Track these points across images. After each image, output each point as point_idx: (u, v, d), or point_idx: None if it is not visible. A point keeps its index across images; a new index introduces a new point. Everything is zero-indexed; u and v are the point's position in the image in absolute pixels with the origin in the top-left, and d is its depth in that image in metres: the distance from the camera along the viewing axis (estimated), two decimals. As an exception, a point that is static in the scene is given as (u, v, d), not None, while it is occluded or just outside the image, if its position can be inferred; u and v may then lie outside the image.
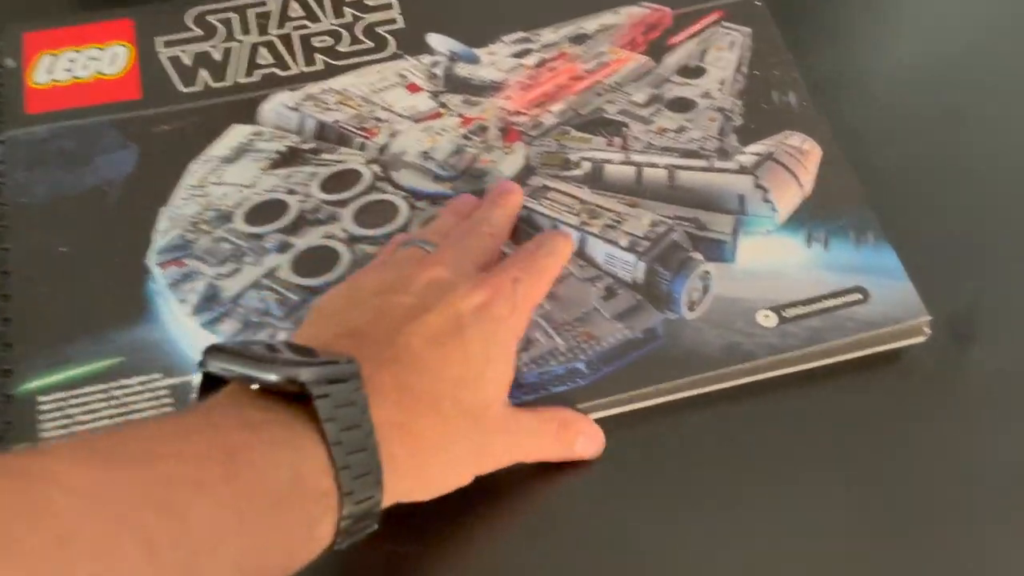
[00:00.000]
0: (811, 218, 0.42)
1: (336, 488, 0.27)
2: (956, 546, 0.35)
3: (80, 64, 0.47)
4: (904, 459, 0.37)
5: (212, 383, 0.29)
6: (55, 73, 0.46)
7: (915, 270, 0.40)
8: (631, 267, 0.40)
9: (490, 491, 0.35)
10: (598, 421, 0.37)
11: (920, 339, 0.39)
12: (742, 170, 0.44)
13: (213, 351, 0.29)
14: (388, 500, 0.30)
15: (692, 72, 0.48)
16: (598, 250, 0.41)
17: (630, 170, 0.44)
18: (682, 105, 0.46)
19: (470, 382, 0.33)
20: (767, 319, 0.39)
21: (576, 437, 0.36)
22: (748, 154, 0.44)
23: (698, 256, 0.41)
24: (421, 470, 0.31)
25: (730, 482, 0.37)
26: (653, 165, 0.44)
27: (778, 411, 0.38)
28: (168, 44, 0.48)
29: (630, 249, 0.41)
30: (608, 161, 0.44)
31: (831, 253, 0.41)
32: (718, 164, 0.44)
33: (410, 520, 0.33)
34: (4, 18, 0.48)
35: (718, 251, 0.41)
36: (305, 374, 0.27)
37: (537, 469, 0.36)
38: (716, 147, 0.44)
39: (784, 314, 0.39)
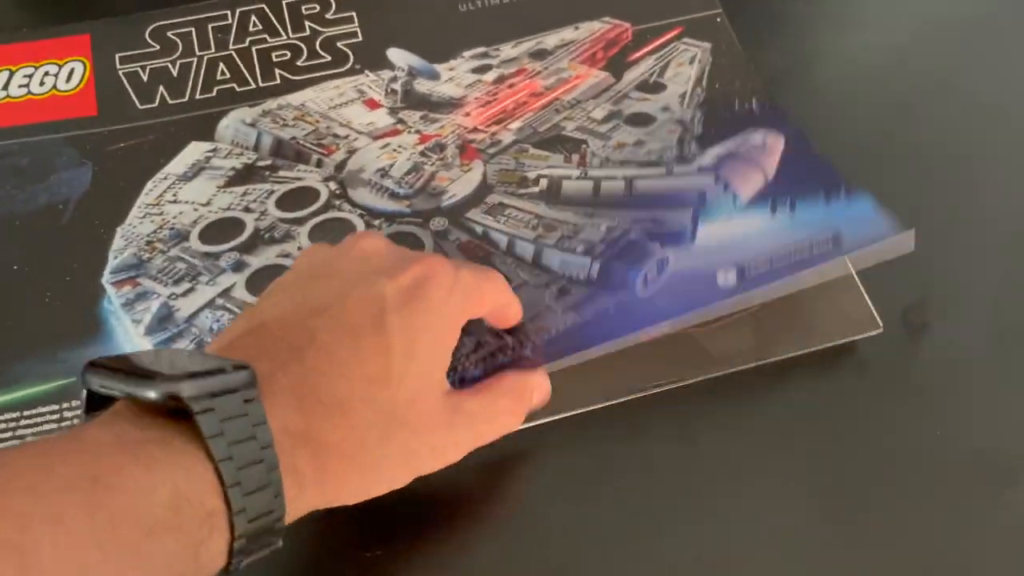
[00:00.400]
0: (775, 191, 0.42)
1: (225, 507, 0.25)
2: (916, 535, 0.36)
3: (36, 80, 0.46)
4: (862, 452, 0.38)
5: (101, 400, 0.27)
6: (10, 89, 0.46)
7: (867, 267, 0.40)
8: (586, 268, 0.40)
9: (459, 491, 0.35)
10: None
11: (874, 332, 0.40)
12: (701, 171, 0.44)
13: (94, 366, 0.27)
14: (297, 512, 0.29)
15: (651, 88, 0.48)
16: (553, 259, 0.41)
17: (588, 184, 0.44)
18: (641, 120, 0.47)
19: (388, 379, 0.30)
20: (727, 277, 0.38)
21: (529, 399, 0.36)
22: (708, 156, 0.44)
23: (655, 246, 0.40)
24: (337, 478, 0.30)
25: (687, 479, 0.37)
26: (611, 178, 0.44)
27: (735, 406, 0.39)
28: (125, 60, 0.47)
29: (586, 253, 0.41)
30: (566, 177, 0.44)
31: (798, 215, 0.41)
32: (677, 170, 0.44)
33: (378, 524, 0.33)
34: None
35: (677, 239, 0.41)
36: (186, 389, 0.25)
37: (504, 470, 0.37)
38: (675, 155, 0.44)
39: (746, 272, 0.38)
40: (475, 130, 0.46)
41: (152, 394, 0.25)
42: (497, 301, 0.36)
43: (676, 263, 0.40)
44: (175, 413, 0.26)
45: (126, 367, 0.26)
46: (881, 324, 0.40)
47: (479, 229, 0.42)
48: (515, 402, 0.35)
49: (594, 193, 0.43)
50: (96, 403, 0.27)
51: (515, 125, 0.46)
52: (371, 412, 0.30)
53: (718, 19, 0.50)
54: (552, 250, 0.41)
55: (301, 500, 0.28)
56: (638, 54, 0.49)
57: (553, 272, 0.40)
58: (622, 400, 0.38)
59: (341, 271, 0.32)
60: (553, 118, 0.47)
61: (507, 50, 0.50)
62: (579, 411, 0.38)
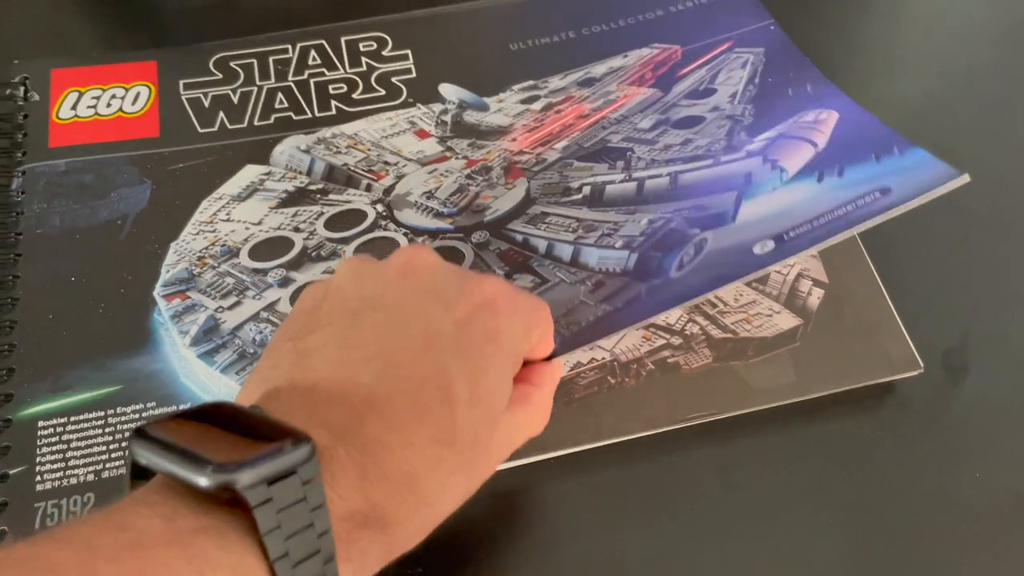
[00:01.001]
0: (824, 159, 0.41)
1: None
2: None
3: (104, 102, 0.48)
4: (899, 491, 0.37)
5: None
6: (79, 109, 0.48)
7: (907, 306, 0.41)
8: (623, 260, 0.40)
9: (497, 515, 0.35)
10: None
11: (914, 372, 0.39)
12: (749, 155, 0.43)
13: (142, 437, 0.24)
14: None
15: (701, 94, 0.48)
16: (591, 256, 0.41)
17: (631, 185, 0.44)
18: (689, 122, 0.46)
19: (454, 435, 0.28)
20: (763, 247, 0.37)
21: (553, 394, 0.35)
22: (757, 141, 0.43)
23: (695, 231, 0.40)
24: (402, 545, 0.27)
25: (724, 513, 0.37)
26: (656, 176, 0.44)
27: (773, 442, 0.38)
28: (189, 87, 0.49)
29: (625, 247, 0.40)
30: (609, 182, 0.44)
31: (847, 177, 0.39)
32: (724, 159, 0.43)
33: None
34: (32, 53, 0.50)
35: (718, 220, 0.40)
36: (243, 479, 0.22)
37: (542, 495, 0.37)
38: (723, 147, 0.44)
39: (785, 237, 0.37)
40: (521, 152, 0.47)
41: (204, 482, 0.23)
42: (546, 330, 0.34)
43: (714, 242, 0.39)
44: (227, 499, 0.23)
45: (177, 445, 0.24)
46: (922, 364, 0.40)
47: (519, 237, 0.43)
48: (547, 412, 0.34)
49: (638, 192, 0.43)
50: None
51: (560, 144, 0.47)
52: (438, 475, 0.28)
53: (771, 27, 0.50)
54: (590, 248, 0.41)
55: (363, 573, 0.26)
56: (687, 68, 0.50)
57: (590, 269, 0.40)
58: (662, 430, 0.38)
59: (389, 300, 0.30)
60: (599, 134, 0.47)
61: (555, 81, 0.51)
62: (620, 439, 0.38)
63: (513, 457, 0.36)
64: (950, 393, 0.40)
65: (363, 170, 0.47)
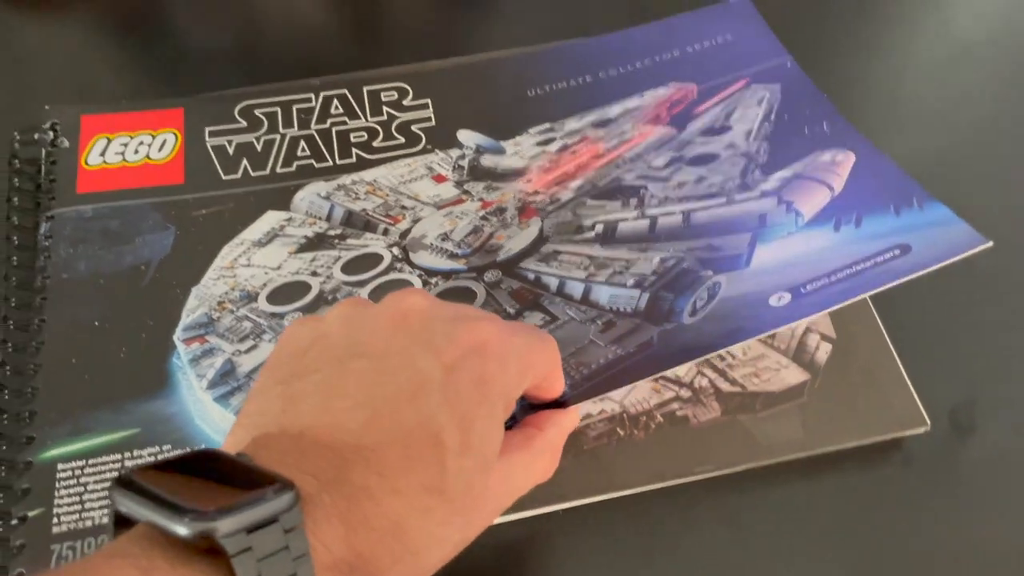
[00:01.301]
0: (841, 206, 0.40)
1: None
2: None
3: (131, 148, 0.50)
4: (906, 547, 0.37)
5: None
6: (107, 156, 0.49)
7: (914, 362, 0.41)
8: (634, 300, 0.40)
9: (508, 568, 0.35)
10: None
11: (921, 430, 0.40)
12: (763, 195, 0.43)
13: (123, 485, 0.24)
14: None
15: (717, 131, 0.48)
16: (602, 294, 0.41)
17: (644, 223, 0.44)
18: (704, 160, 0.46)
19: (444, 483, 0.27)
20: (780, 300, 0.37)
21: (562, 444, 0.34)
22: (772, 180, 0.43)
23: (707, 273, 0.40)
24: None
25: (732, 566, 0.37)
26: (669, 214, 0.44)
27: (781, 496, 0.39)
28: (214, 134, 0.51)
29: (636, 286, 0.41)
30: (622, 220, 0.44)
31: (864, 229, 0.39)
32: (738, 197, 0.43)
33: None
34: (63, 98, 0.51)
35: (731, 263, 0.40)
36: (222, 526, 0.22)
37: (551, 547, 0.36)
38: (738, 184, 0.44)
39: (803, 290, 0.37)
40: (535, 192, 0.48)
41: (183, 531, 0.22)
42: (548, 368, 0.34)
43: (728, 288, 0.39)
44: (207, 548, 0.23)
45: (158, 493, 0.23)
46: (928, 422, 0.40)
47: (531, 275, 0.43)
48: (553, 458, 0.34)
49: (650, 230, 0.43)
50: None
51: (575, 184, 0.47)
52: (427, 525, 0.27)
53: (788, 64, 0.51)
54: (601, 286, 0.41)
55: None
56: (703, 106, 0.50)
57: (600, 307, 0.40)
58: (671, 483, 0.38)
59: (378, 348, 0.29)
60: (613, 172, 0.47)
61: (571, 123, 0.51)
62: (628, 492, 0.38)
63: (521, 508, 0.37)
64: (956, 451, 0.40)
65: (381, 215, 0.48)
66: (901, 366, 0.41)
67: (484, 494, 0.29)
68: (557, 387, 0.35)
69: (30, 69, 0.55)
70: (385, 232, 0.47)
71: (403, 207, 0.48)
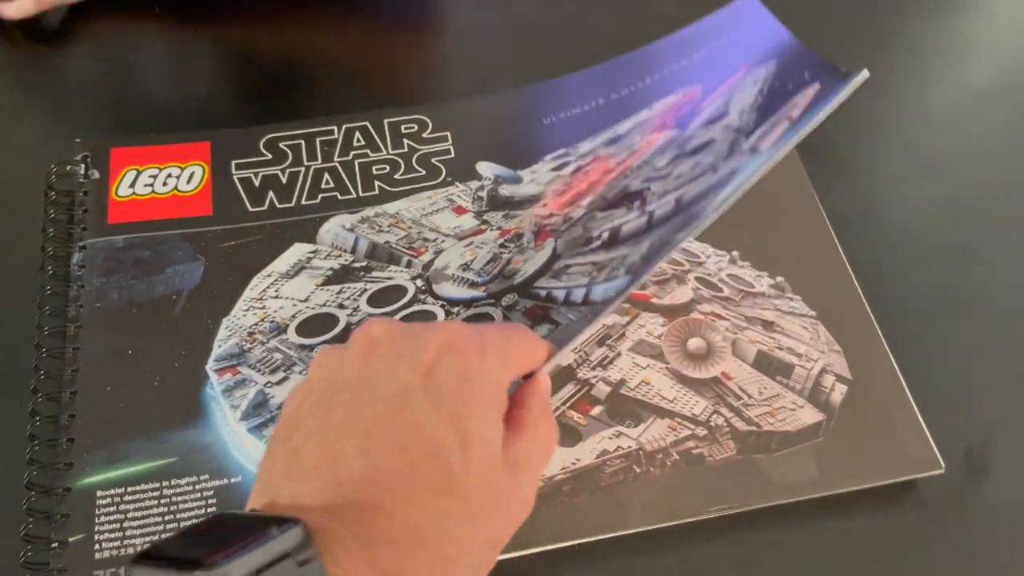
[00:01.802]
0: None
1: None
2: None
3: (160, 180, 0.51)
4: None
5: None
6: (136, 187, 0.50)
7: (929, 405, 0.41)
8: (624, 285, 0.40)
9: None
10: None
11: (935, 472, 0.40)
12: (742, 153, 0.42)
13: (142, 560, 0.24)
14: None
15: (716, 119, 0.48)
16: (597, 291, 0.41)
17: (643, 219, 0.44)
18: (702, 147, 0.46)
19: (453, 482, 0.27)
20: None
21: (548, 405, 0.34)
22: (752, 138, 0.43)
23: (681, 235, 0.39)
24: None
25: None
26: (664, 204, 0.44)
27: (795, 536, 0.39)
28: (240, 166, 0.52)
29: (627, 273, 0.41)
30: (625, 223, 0.45)
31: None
32: (722, 165, 0.42)
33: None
34: (93, 132, 0.53)
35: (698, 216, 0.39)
36: (233, 570, 0.23)
37: None
38: (724, 156, 0.43)
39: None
40: (551, 215, 0.49)
41: None
42: (531, 354, 0.34)
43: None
44: None
45: (176, 556, 0.24)
46: (943, 464, 0.40)
47: (543, 293, 0.44)
48: (548, 426, 0.33)
49: (648, 225, 0.43)
50: None
51: (586, 200, 0.49)
52: (446, 527, 0.27)
53: (786, 40, 0.48)
54: (599, 285, 0.42)
55: None
56: (706, 102, 0.49)
57: (596, 304, 0.41)
58: (685, 521, 0.39)
59: (356, 378, 0.30)
60: (621, 183, 0.48)
61: (584, 145, 0.52)
62: (643, 529, 0.39)
63: (536, 543, 0.38)
64: (970, 493, 0.41)
65: (404, 247, 0.49)
66: (916, 408, 0.42)
67: (500, 486, 0.30)
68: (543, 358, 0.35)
69: (62, 103, 0.56)
70: (408, 264, 0.48)
71: (425, 239, 0.49)
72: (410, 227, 0.50)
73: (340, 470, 0.27)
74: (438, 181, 0.52)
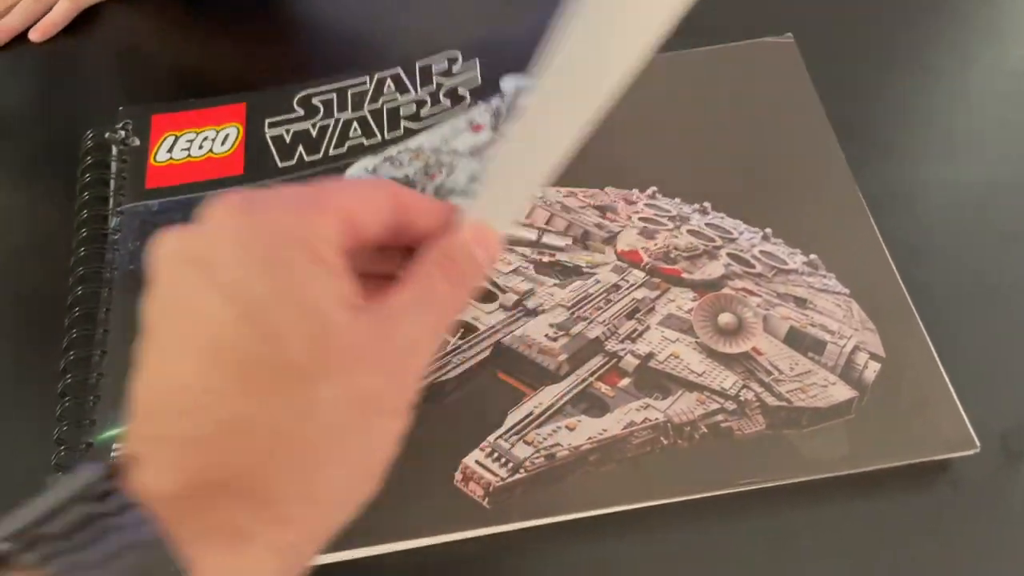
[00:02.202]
0: None
1: None
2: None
3: (196, 144, 0.51)
4: (949, 570, 0.37)
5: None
6: (174, 152, 0.51)
7: (966, 383, 0.40)
8: None
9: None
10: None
11: (970, 452, 0.39)
12: None
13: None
14: None
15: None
16: None
17: None
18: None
19: (260, 353, 0.23)
20: None
21: (474, 263, 0.27)
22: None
23: None
24: (311, 531, 0.24)
25: None
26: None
27: (824, 512, 0.38)
28: (273, 124, 0.52)
29: None
30: None
31: None
32: None
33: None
34: (135, 99, 0.54)
35: None
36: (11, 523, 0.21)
37: (598, 550, 0.37)
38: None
39: None
40: None
41: None
42: (375, 201, 0.26)
43: None
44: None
45: None
46: (978, 444, 0.39)
47: None
48: (456, 283, 0.27)
49: None
50: None
51: None
52: (275, 403, 0.23)
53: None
54: None
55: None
56: None
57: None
58: (713, 494, 0.38)
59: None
60: None
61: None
62: (669, 500, 0.38)
63: (561, 511, 0.38)
64: (1006, 475, 0.39)
65: (420, 176, 0.48)
66: (951, 386, 0.40)
67: (347, 339, 0.24)
68: (423, 211, 0.28)
69: (101, 72, 0.58)
70: (423, 190, 0.47)
71: (440, 163, 0.48)
72: (429, 156, 0.48)
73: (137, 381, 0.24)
74: (462, 108, 0.50)
